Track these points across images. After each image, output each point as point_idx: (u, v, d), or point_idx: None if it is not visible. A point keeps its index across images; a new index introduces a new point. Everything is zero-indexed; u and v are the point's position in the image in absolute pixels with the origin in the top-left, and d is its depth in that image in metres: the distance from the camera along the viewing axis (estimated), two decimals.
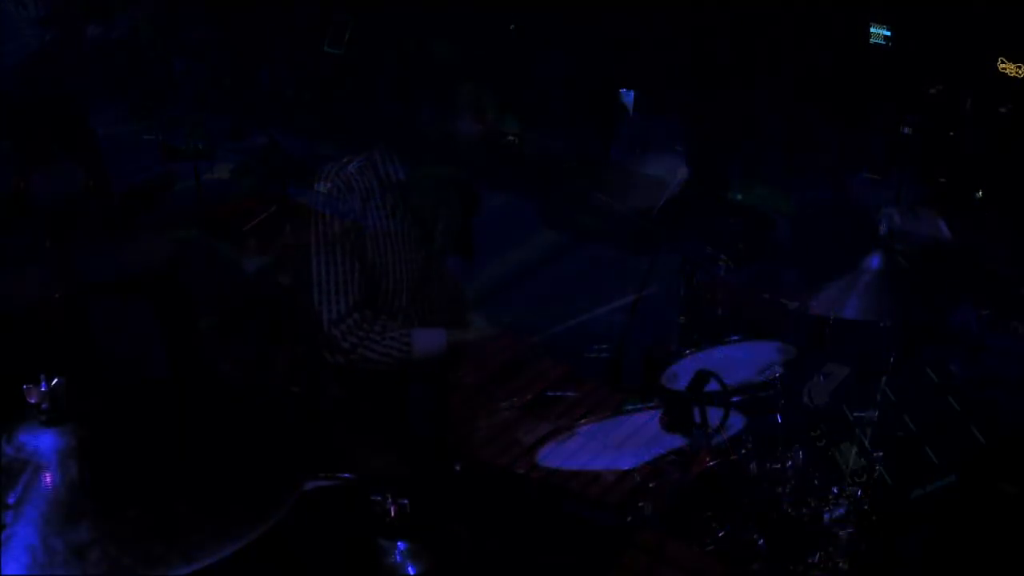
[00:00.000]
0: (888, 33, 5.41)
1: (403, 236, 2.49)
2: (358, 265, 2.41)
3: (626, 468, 1.90)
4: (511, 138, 2.55)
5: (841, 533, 2.20)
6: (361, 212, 2.42)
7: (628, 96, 5.06)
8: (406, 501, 1.69)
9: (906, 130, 4.94)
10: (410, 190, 2.49)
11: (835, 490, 2.28)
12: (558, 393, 2.45)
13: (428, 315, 2.60)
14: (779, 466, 2.18)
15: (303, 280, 2.42)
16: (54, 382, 1.27)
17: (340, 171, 2.43)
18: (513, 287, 3.36)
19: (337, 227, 2.38)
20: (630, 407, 2.17)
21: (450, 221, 2.63)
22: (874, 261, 2.33)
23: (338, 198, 2.39)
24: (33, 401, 1.26)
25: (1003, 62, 4.63)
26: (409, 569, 1.68)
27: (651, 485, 1.88)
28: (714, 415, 1.80)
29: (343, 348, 2.38)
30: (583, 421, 2.14)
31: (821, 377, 2.71)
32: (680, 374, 2.47)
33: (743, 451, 2.04)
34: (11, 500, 1.19)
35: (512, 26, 4.46)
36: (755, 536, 2.05)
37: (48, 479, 1.22)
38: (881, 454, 2.35)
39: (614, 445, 2.04)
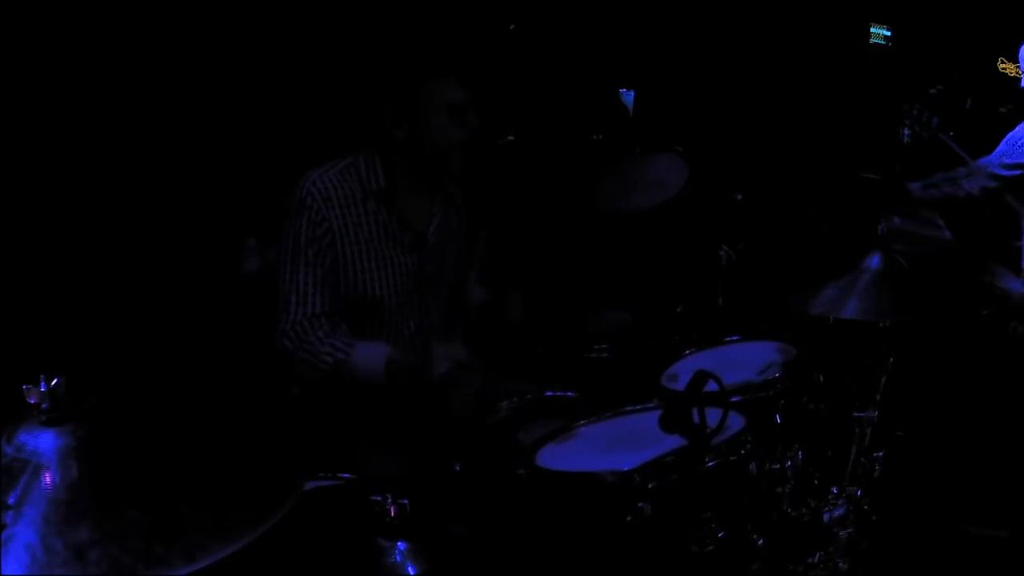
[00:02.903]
0: (888, 33, 5.41)
1: (388, 241, 2.47)
2: (321, 275, 2.38)
3: (626, 468, 1.90)
4: (510, 138, 2.55)
5: (841, 533, 2.19)
6: (341, 220, 2.40)
7: (628, 96, 5.06)
8: (406, 501, 1.69)
9: (907, 130, 4.94)
10: (395, 194, 2.47)
11: (835, 490, 2.28)
12: (558, 393, 2.45)
13: (425, 320, 2.57)
14: (779, 466, 2.18)
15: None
16: (54, 382, 1.27)
17: (319, 178, 2.41)
18: (512, 287, 3.36)
19: (304, 237, 2.36)
20: (630, 407, 2.17)
21: (445, 220, 2.61)
22: (874, 261, 2.33)
23: (311, 207, 2.37)
24: (33, 401, 1.26)
25: (1003, 62, 4.62)
26: (409, 569, 1.68)
27: (651, 485, 1.88)
28: (713, 415, 1.80)
29: (290, 359, 2.37)
30: (583, 421, 2.13)
31: None
32: (680, 374, 2.47)
33: (743, 451, 2.03)
34: (11, 500, 1.19)
35: (512, 26, 4.46)
36: (755, 536, 2.04)
37: (48, 479, 1.22)
38: (881, 454, 2.35)
39: (614, 445, 2.03)
